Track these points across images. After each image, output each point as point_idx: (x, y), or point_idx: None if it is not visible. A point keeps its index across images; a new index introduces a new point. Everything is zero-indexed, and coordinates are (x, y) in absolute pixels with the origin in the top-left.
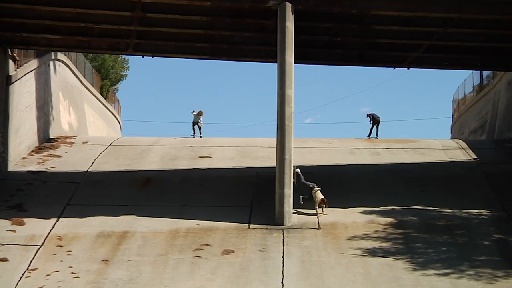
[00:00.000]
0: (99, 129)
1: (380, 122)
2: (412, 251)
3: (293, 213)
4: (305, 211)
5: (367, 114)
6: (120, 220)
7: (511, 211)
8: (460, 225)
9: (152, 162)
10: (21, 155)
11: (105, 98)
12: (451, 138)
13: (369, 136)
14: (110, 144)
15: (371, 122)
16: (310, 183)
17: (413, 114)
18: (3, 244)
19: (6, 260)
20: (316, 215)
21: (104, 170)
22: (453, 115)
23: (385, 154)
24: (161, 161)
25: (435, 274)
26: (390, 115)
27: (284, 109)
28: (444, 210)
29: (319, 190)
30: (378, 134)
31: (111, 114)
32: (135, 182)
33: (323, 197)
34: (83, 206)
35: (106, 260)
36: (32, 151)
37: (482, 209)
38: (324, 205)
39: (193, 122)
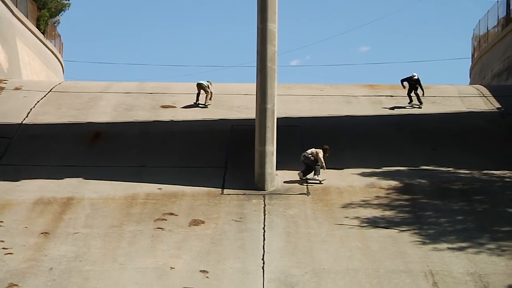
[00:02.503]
0: (36, 72)
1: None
2: (420, 221)
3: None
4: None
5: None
6: (64, 184)
7: None
8: (479, 189)
9: (103, 112)
10: None
11: (43, 33)
12: (470, 84)
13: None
14: (50, 90)
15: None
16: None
17: (423, 54)
18: None
19: None
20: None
21: (43, 122)
22: (472, 55)
23: (389, 104)
24: (114, 111)
25: (449, 248)
26: (395, 55)
27: (266, 48)
28: (460, 171)
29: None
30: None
31: (50, 53)
32: (81, 137)
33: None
34: (17, 166)
35: (46, 233)
36: None
37: (506, 170)
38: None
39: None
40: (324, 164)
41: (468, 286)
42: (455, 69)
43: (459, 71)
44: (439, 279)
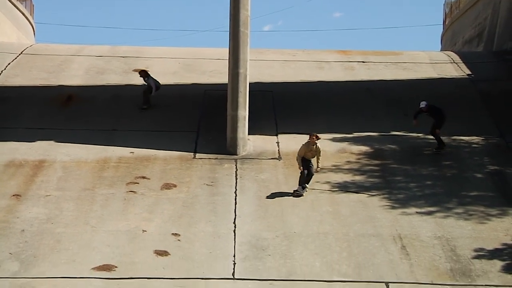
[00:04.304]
0: (6, 33)
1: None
2: (390, 185)
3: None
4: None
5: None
6: (35, 147)
7: (511, 138)
8: (448, 154)
9: (75, 75)
10: None
11: None
12: (441, 50)
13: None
14: (21, 53)
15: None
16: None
17: (395, 20)
18: None
19: None
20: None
21: (14, 85)
22: (444, 22)
23: (360, 69)
24: (86, 74)
25: (417, 213)
26: (367, 22)
27: (239, 12)
28: (430, 137)
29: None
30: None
31: (21, 14)
32: (53, 100)
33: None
34: None
35: (17, 195)
36: None
37: (476, 136)
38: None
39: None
40: (299, 166)
41: (435, 250)
42: (427, 36)
43: (431, 37)
44: (407, 243)
